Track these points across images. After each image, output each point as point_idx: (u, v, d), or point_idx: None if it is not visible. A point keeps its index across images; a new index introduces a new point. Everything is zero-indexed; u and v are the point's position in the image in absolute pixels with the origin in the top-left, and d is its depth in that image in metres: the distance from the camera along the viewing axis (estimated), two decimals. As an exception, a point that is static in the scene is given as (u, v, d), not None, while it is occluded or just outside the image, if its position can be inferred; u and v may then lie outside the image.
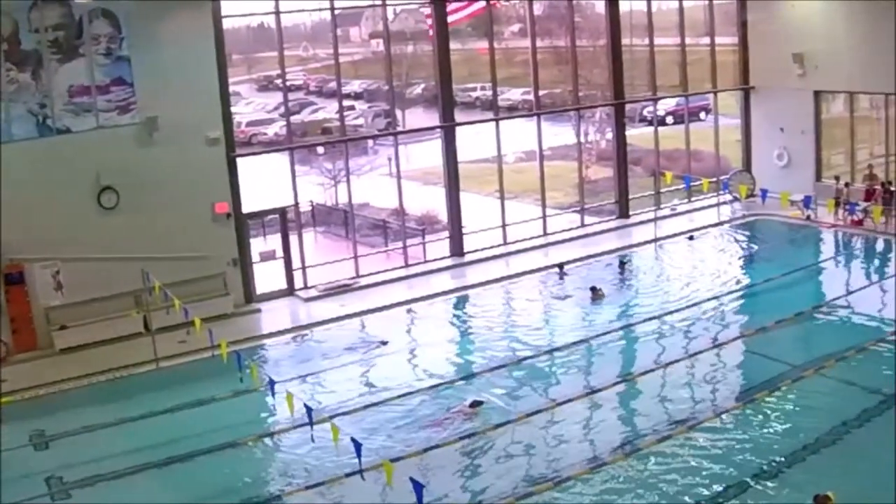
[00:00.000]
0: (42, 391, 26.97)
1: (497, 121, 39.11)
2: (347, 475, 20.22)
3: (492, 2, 38.58)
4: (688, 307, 30.74)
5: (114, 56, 30.26)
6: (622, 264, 35.66)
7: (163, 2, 30.57)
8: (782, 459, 20.16)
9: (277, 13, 33.98)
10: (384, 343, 29.65)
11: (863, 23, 39.09)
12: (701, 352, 27.00)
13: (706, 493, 19.15)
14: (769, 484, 19.36)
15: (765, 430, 21.70)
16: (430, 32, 37.00)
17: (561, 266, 35.43)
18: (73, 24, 29.66)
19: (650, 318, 29.99)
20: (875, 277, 33.94)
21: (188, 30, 31.35)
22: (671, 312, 30.35)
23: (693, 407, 23.38)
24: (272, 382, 21.24)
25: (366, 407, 24.58)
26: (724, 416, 22.50)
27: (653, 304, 31.52)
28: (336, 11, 36.15)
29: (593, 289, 32.29)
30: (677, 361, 26.27)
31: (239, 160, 33.04)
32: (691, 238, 39.01)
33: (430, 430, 23.09)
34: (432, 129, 38.39)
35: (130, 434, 23.80)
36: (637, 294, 32.91)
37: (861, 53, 39.12)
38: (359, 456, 17.49)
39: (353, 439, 17.63)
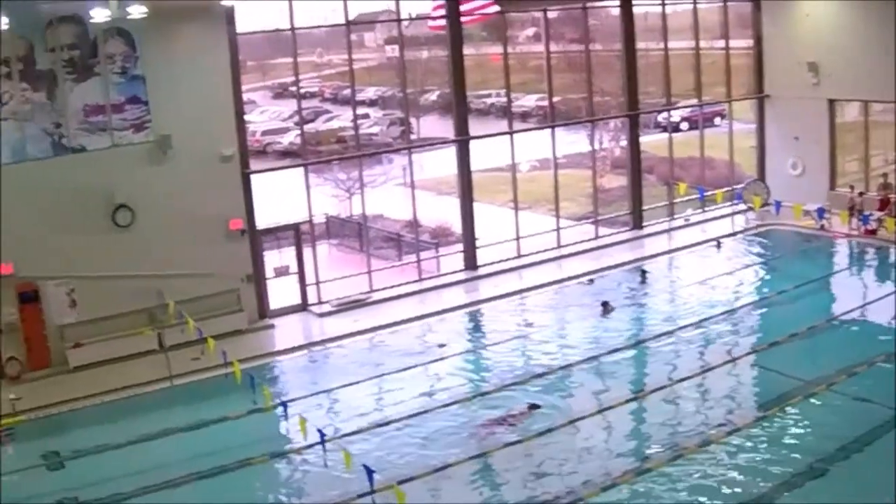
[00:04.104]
0: (56, 409, 27.02)
1: (511, 134, 39.11)
2: (359, 496, 20.04)
3: (504, 10, 38.38)
4: (701, 321, 30.67)
5: (129, 74, 30.38)
6: (643, 274, 35.76)
7: (177, 19, 30.61)
8: (793, 476, 20.19)
9: (293, 26, 34.00)
10: (442, 346, 30.25)
11: (876, 31, 38.89)
12: (713, 367, 26.94)
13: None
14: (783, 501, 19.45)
15: (775, 447, 21.68)
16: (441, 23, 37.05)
17: (591, 279, 35.70)
18: (87, 44, 29.77)
19: (664, 333, 29.93)
20: (889, 288, 33.77)
21: (202, 46, 31.43)
22: (684, 327, 30.30)
23: (705, 423, 23.35)
24: (284, 405, 21.30)
25: (380, 425, 24.60)
26: (735, 433, 22.46)
27: (667, 316, 31.61)
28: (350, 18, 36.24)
29: (604, 303, 32.33)
30: (689, 378, 26.16)
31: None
32: (719, 245, 39.07)
33: (488, 430, 23.58)
34: (447, 142, 38.24)
35: (144, 453, 23.85)
36: (653, 307, 32.97)
37: (875, 62, 38.97)
38: (371, 482, 17.55)
39: (365, 466, 17.69)
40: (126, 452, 23.96)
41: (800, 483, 20.00)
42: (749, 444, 21.98)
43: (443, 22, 36.85)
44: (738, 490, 19.99)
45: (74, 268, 29.91)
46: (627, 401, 25.10)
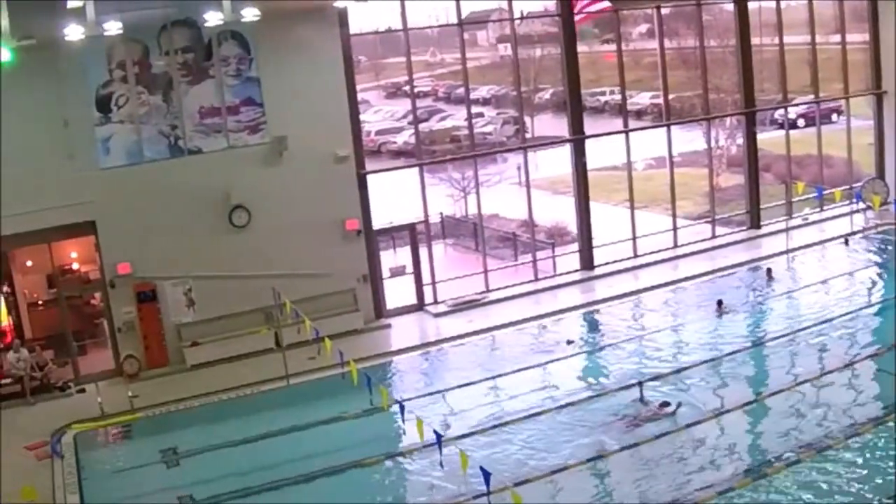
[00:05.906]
0: (173, 407, 27.47)
1: (627, 132, 38.74)
2: (475, 498, 19.95)
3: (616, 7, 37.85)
4: (819, 323, 29.96)
5: (243, 77, 30.70)
6: (769, 272, 35.21)
7: (290, 21, 30.74)
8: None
9: (405, 26, 34.04)
10: (570, 342, 30.17)
11: None
12: (831, 371, 26.14)
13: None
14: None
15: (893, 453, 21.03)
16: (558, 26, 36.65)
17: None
18: (202, 47, 30.18)
19: (785, 335, 29.28)
20: None
21: (316, 48, 31.59)
22: (801, 329, 29.63)
23: (823, 428, 22.69)
24: (401, 405, 21.16)
25: (497, 426, 24.42)
26: (853, 437, 21.86)
27: (788, 317, 31.08)
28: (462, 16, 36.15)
29: (719, 302, 31.93)
30: (807, 381, 25.48)
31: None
32: (847, 242, 38.40)
33: (618, 428, 23.42)
34: (562, 141, 37.93)
35: (261, 451, 24.06)
36: (774, 307, 32.45)
37: None
38: (487, 484, 17.35)
39: (481, 468, 17.50)
40: (242, 451, 24.20)
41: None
42: (868, 449, 21.37)
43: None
44: (856, 497, 19.45)
45: (192, 268, 30.37)
46: (745, 403, 24.58)
